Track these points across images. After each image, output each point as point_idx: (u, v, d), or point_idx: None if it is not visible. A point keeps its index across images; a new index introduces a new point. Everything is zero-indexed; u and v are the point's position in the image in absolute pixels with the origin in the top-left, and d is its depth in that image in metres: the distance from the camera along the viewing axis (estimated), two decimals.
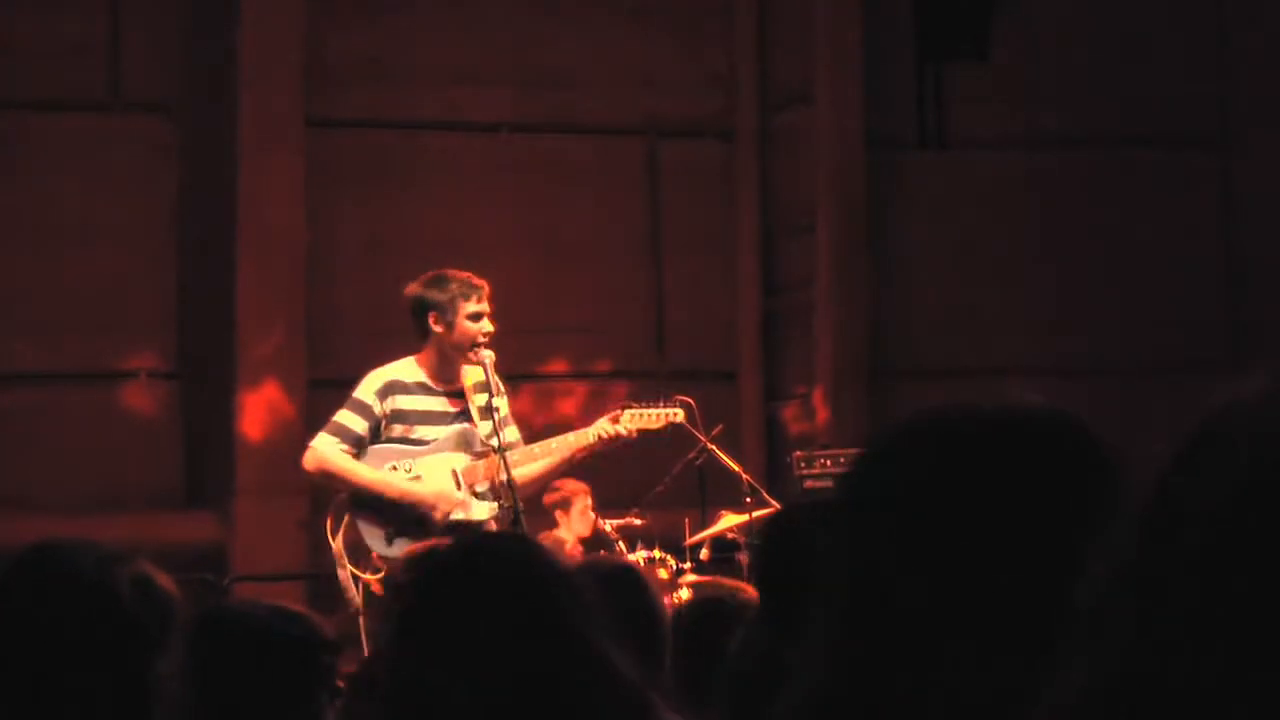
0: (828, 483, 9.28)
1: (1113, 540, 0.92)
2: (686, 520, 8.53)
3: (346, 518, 6.44)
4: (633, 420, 6.53)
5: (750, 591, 4.68)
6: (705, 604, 4.30)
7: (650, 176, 11.00)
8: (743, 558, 8.27)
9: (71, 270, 9.88)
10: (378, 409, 6.43)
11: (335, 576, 6.43)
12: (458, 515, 6.38)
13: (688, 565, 8.12)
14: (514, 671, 2.14)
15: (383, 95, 10.45)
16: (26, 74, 9.87)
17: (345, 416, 6.48)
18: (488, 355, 6.40)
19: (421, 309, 6.45)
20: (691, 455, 8.23)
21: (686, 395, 7.52)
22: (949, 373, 10.72)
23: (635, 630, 3.60)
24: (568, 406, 10.37)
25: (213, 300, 10.01)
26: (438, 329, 6.42)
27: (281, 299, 10.02)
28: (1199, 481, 0.86)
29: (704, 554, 8.31)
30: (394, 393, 6.45)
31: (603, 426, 6.51)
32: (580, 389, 10.62)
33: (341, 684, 3.00)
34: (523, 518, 6.27)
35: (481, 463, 6.42)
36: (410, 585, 2.32)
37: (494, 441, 6.34)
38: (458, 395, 6.48)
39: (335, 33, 10.34)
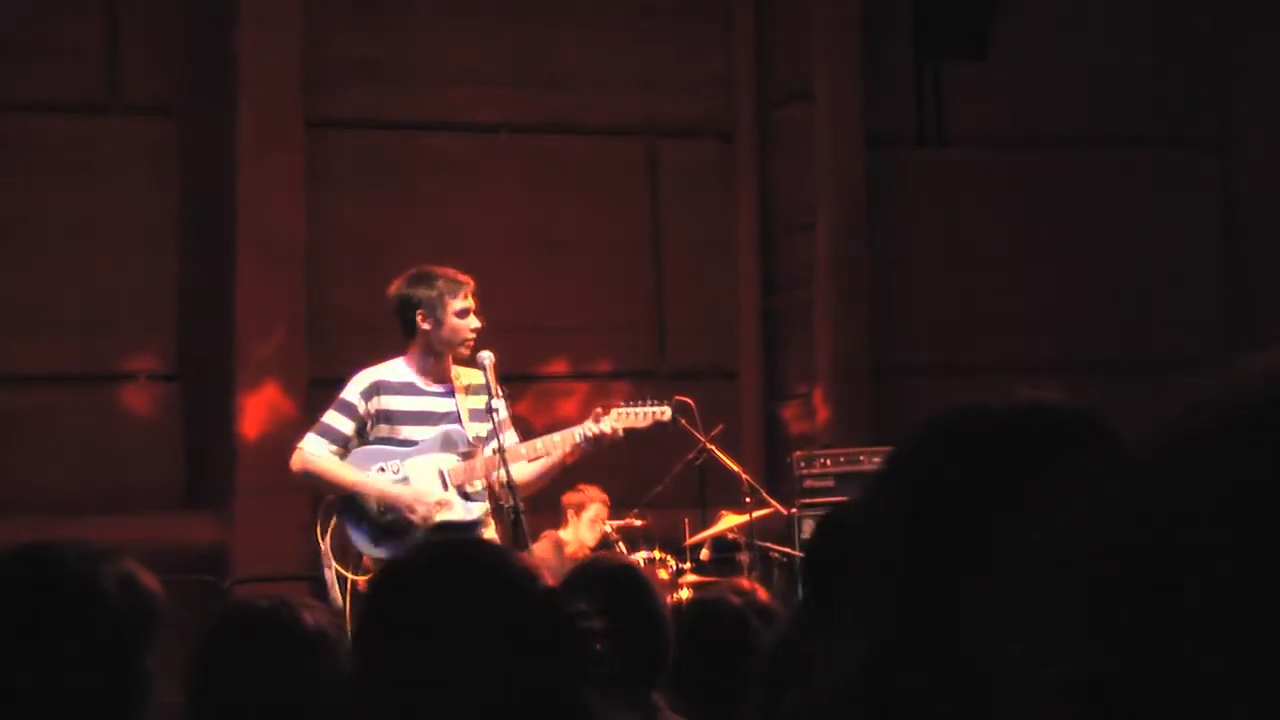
0: (828, 482, 9.29)
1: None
2: (687, 520, 8.53)
3: (334, 519, 6.44)
4: (618, 419, 6.51)
5: (749, 587, 4.68)
6: (705, 604, 4.30)
7: (650, 176, 11.00)
8: (743, 557, 8.27)
9: (71, 272, 9.87)
10: (362, 409, 6.42)
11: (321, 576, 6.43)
12: (444, 516, 6.36)
13: (688, 565, 8.11)
14: (460, 678, 2.18)
15: (382, 96, 10.45)
16: (26, 76, 9.86)
17: (332, 417, 6.48)
18: (488, 356, 6.38)
19: (408, 307, 6.43)
20: (691, 455, 8.23)
21: (687, 395, 7.53)
22: (949, 371, 10.72)
23: (637, 630, 3.60)
24: (568, 407, 10.36)
25: (213, 301, 10.01)
26: (425, 326, 6.40)
27: (281, 299, 10.02)
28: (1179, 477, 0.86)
29: (704, 554, 8.31)
30: (380, 393, 6.43)
31: (586, 427, 6.50)
32: (580, 389, 10.62)
33: None
34: (524, 518, 6.25)
35: (470, 463, 6.40)
36: (365, 593, 2.38)
37: (492, 444, 6.32)
38: (447, 395, 6.45)
39: (335, 34, 10.34)
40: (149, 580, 2.34)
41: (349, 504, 6.40)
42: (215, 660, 2.89)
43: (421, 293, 6.41)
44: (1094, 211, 11.33)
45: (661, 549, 8.16)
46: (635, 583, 3.70)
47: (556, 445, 6.47)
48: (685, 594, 7.36)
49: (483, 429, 6.42)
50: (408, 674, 2.19)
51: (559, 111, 10.77)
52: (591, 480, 8.64)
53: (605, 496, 8.66)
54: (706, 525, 8.45)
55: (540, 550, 7.53)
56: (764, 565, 8.59)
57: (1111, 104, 11.33)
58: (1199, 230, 11.48)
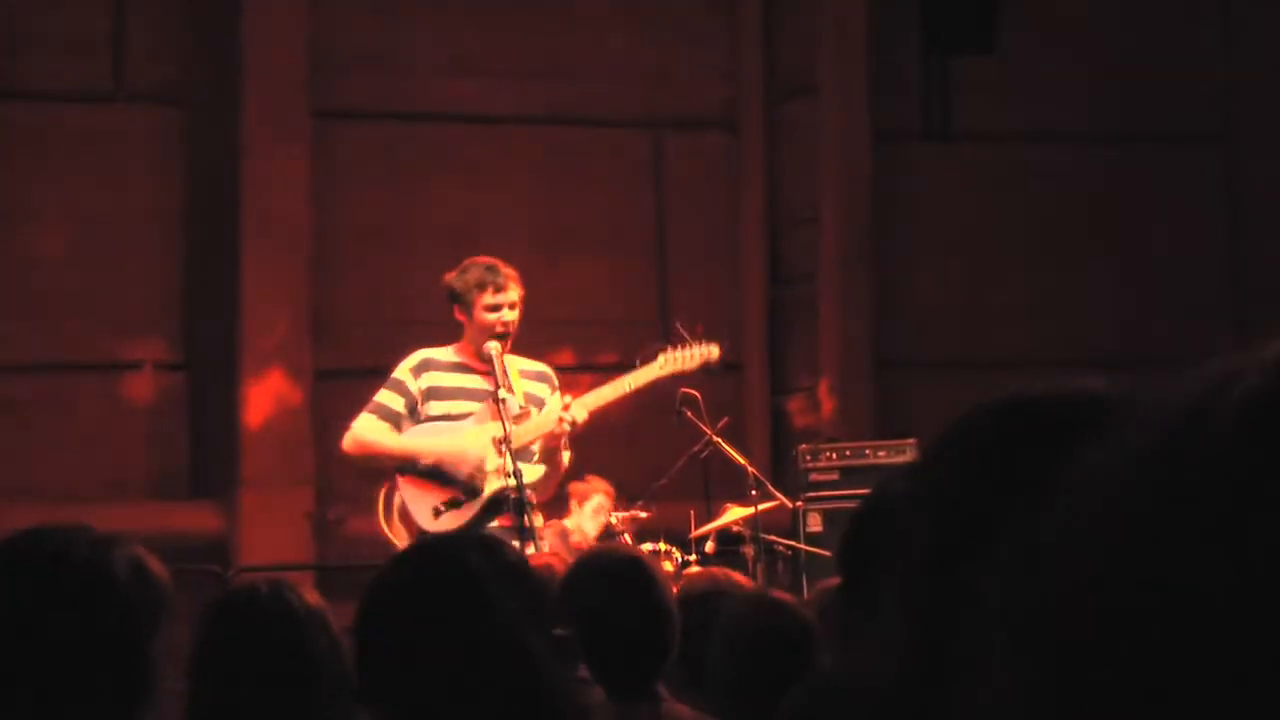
0: (833, 475, 9.29)
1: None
2: (692, 513, 8.52)
3: (397, 497, 6.46)
4: (665, 364, 6.52)
5: (739, 577, 4.67)
6: (695, 591, 4.30)
7: (655, 169, 10.99)
8: (748, 550, 8.26)
9: (76, 260, 9.88)
10: (412, 386, 6.43)
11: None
12: (496, 484, 6.32)
13: (693, 558, 8.11)
14: (447, 673, 2.23)
15: (387, 87, 10.44)
16: (31, 66, 9.86)
17: (383, 395, 6.50)
18: (494, 347, 6.37)
19: (449, 299, 6.49)
20: (697, 448, 8.23)
21: (692, 387, 7.52)
22: (954, 365, 10.72)
23: (644, 620, 3.60)
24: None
25: (218, 291, 10.01)
26: (461, 319, 6.44)
27: (286, 290, 10.01)
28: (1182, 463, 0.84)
29: (709, 546, 8.30)
30: (429, 369, 6.46)
31: (635, 376, 6.51)
32: (586, 381, 10.59)
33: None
34: (529, 509, 6.23)
35: (523, 425, 6.37)
36: (367, 589, 2.45)
37: (549, 405, 6.33)
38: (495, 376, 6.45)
39: (340, 24, 10.33)
40: (157, 566, 2.35)
41: (407, 477, 6.40)
42: (215, 642, 2.90)
43: (457, 285, 6.45)
44: (1098, 206, 11.33)
45: (666, 541, 8.16)
46: (643, 574, 3.70)
47: (606, 397, 6.47)
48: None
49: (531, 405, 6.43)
50: (404, 679, 2.23)
51: (565, 104, 10.76)
52: (597, 472, 8.63)
53: (610, 488, 8.66)
54: (711, 518, 8.44)
55: (547, 539, 7.52)
56: (768, 558, 8.59)
57: (1116, 100, 11.33)
58: (1202, 226, 11.48)
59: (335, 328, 10.10)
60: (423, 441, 6.39)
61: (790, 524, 9.05)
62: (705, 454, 8.25)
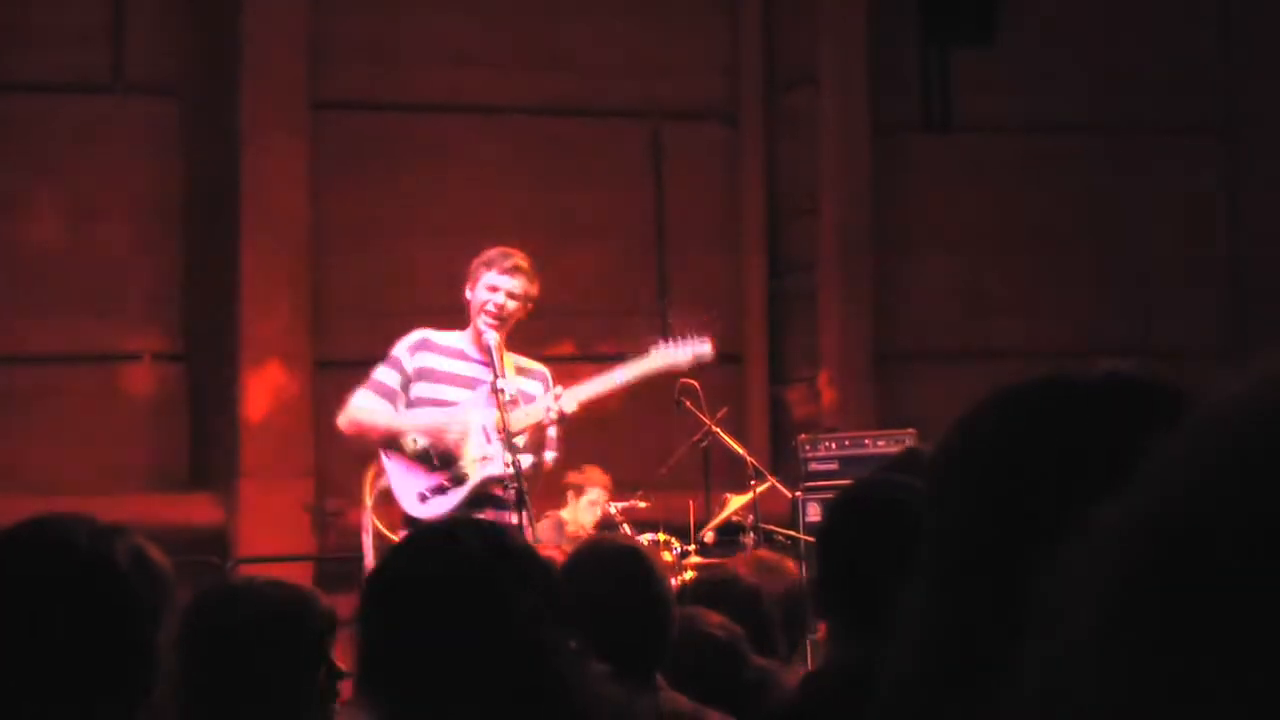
0: (833, 465, 9.29)
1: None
2: (691, 503, 8.52)
3: (382, 481, 6.45)
4: (657, 360, 6.50)
5: (742, 570, 4.67)
6: (702, 584, 4.30)
7: (655, 159, 10.98)
8: (747, 540, 8.26)
9: (76, 252, 9.88)
10: (407, 363, 6.40)
11: (361, 549, 6.42)
12: (487, 471, 6.30)
13: (692, 548, 8.11)
14: (453, 661, 2.22)
15: (386, 77, 10.44)
16: (31, 57, 9.86)
17: (379, 371, 6.47)
18: (492, 338, 6.36)
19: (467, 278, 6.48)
20: (696, 438, 8.23)
21: (691, 378, 7.51)
22: (954, 356, 10.72)
23: (642, 610, 3.60)
24: None
25: (216, 282, 10.01)
26: (466, 300, 6.43)
27: (285, 280, 10.01)
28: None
29: (709, 537, 8.30)
30: (425, 349, 6.42)
31: (628, 369, 6.48)
32: (585, 372, 10.59)
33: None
34: (528, 499, 6.22)
35: (513, 413, 6.33)
36: (368, 577, 2.45)
37: (550, 394, 6.31)
38: (491, 366, 6.41)
39: (338, 15, 10.33)
40: (159, 556, 2.35)
41: (394, 469, 6.37)
42: (200, 632, 2.91)
43: (473, 262, 6.43)
44: (1098, 198, 11.33)
45: (665, 531, 8.15)
46: (641, 564, 3.70)
47: (597, 390, 6.45)
48: (689, 575, 7.35)
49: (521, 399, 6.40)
50: (405, 672, 2.23)
51: (564, 94, 10.76)
52: (596, 462, 8.63)
53: (607, 479, 8.65)
54: (710, 508, 8.44)
55: (542, 530, 7.52)
56: (768, 547, 8.59)
57: (1116, 91, 11.32)
58: (1202, 218, 11.48)
59: (334, 319, 10.10)
60: (408, 417, 6.37)
61: (790, 513, 9.05)
62: (705, 444, 8.25)
